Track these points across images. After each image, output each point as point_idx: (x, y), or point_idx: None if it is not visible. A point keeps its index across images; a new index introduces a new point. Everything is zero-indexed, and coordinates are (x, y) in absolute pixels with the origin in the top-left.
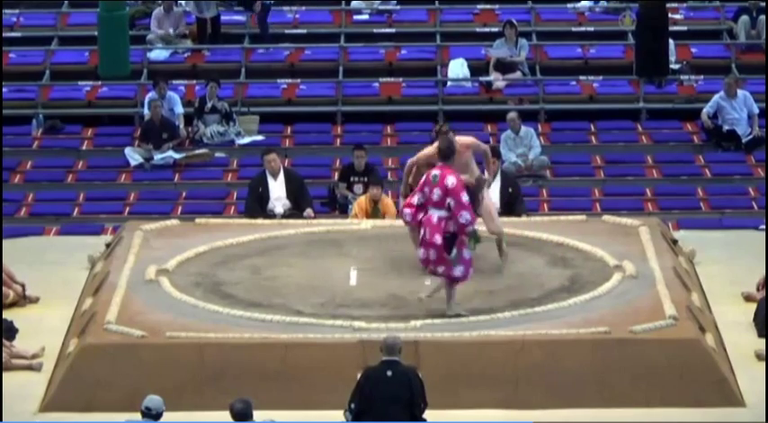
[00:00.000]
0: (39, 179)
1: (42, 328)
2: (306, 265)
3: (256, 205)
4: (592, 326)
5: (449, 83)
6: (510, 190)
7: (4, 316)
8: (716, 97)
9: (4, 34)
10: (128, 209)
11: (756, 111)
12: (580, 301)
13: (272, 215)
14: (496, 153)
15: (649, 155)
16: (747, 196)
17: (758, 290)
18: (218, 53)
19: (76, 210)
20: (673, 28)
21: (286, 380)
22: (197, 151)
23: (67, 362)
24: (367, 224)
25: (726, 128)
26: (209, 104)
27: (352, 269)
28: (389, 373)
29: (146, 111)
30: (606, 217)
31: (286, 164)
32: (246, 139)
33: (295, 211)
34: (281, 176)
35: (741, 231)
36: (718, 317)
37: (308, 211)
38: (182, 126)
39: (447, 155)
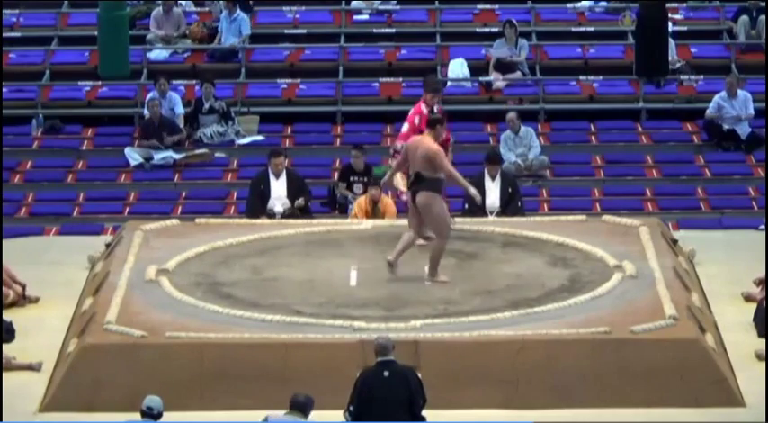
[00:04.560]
0: (39, 179)
1: (42, 328)
2: (306, 266)
3: (257, 202)
4: (592, 326)
5: (449, 83)
6: (510, 190)
7: (4, 316)
8: (716, 97)
9: (4, 34)
10: (128, 209)
11: (752, 112)
12: (580, 301)
13: (271, 214)
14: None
15: (649, 155)
16: (747, 196)
17: (757, 285)
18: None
19: (76, 210)
20: (673, 28)
21: (286, 380)
22: (197, 151)
23: (67, 362)
24: (367, 224)
25: (726, 128)
26: (206, 105)
27: (352, 269)
28: (386, 373)
29: (145, 111)
30: (606, 217)
31: (286, 164)
32: (247, 140)
33: (295, 210)
34: (283, 176)
35: (741, 231)
36: (718, 317)
37: (300, 201)
38: (182, 126)
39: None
